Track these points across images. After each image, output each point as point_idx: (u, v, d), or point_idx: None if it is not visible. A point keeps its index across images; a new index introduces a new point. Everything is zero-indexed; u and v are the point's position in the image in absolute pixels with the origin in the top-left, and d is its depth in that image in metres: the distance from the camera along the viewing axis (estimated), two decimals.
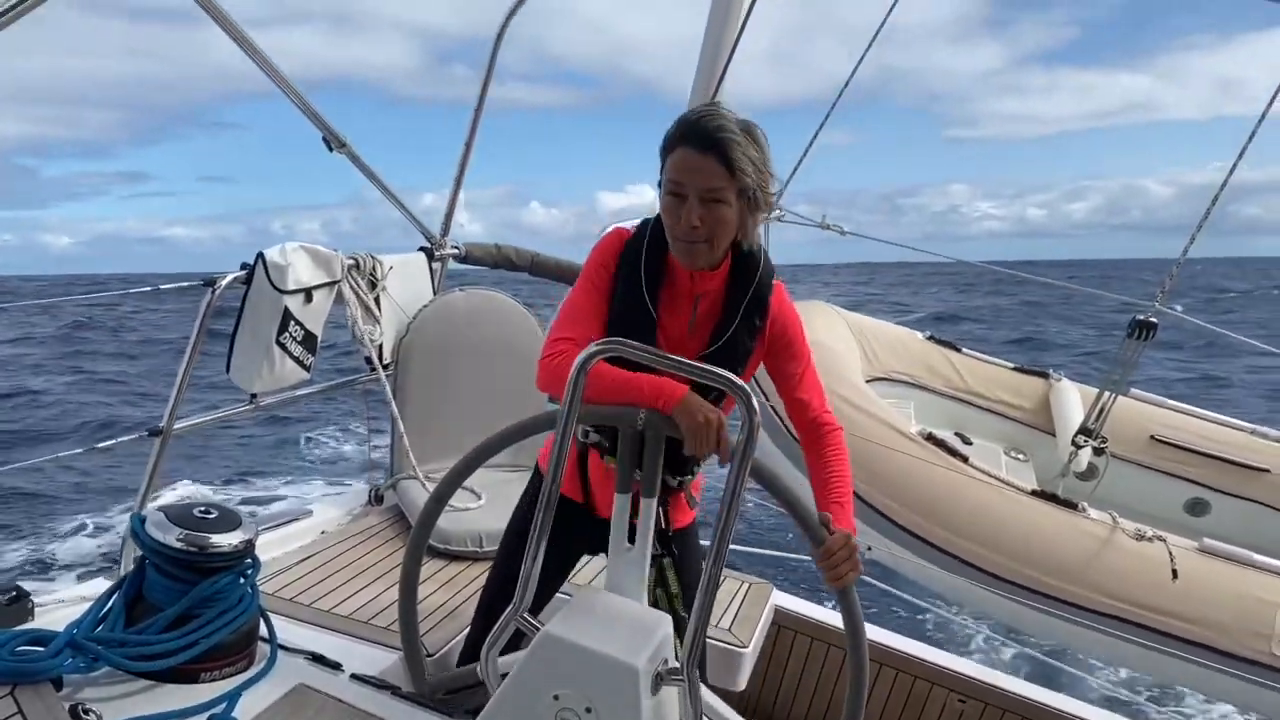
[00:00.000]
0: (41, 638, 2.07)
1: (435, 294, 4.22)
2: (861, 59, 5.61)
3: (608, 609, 1.83)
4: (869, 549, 4.31)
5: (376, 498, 4.00)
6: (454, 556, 3.46)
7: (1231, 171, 4.67)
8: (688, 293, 2.03)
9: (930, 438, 4.47)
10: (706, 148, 1.82)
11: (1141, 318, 4.74)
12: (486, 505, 3.63)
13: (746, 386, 1.72)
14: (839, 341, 5.44)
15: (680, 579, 2.14)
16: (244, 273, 3.26)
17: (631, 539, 1.96)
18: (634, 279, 2.01)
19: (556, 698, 1.69)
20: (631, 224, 2.12)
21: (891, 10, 5.53)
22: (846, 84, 5.67)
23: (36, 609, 2.62)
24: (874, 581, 4.51)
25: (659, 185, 1.96)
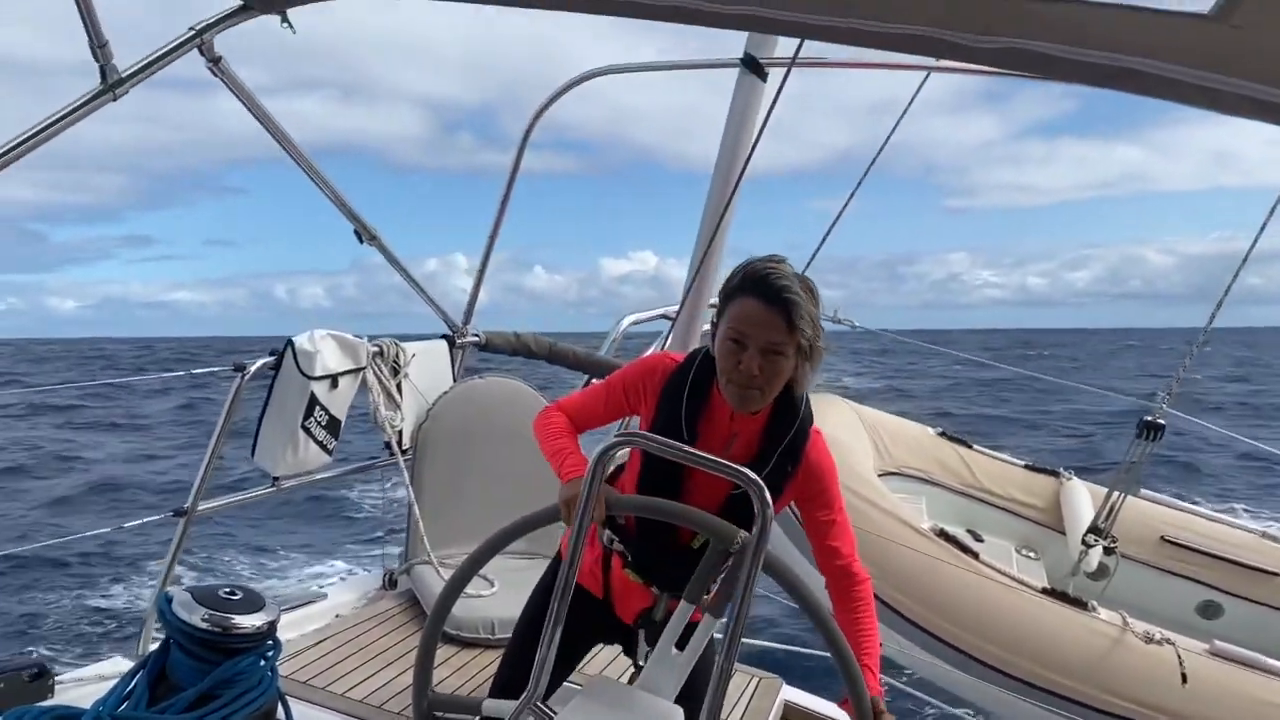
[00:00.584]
0: (68, 715, 2.11)
1: (455, 381, 4.31)
2: (889, 137, 5.75)
3: (619, 699, 1.86)
4: (881, 646, 4.30)
5: (390, 582, 4.04)
6: (466, 643, 3.49)
7: (1253, 245, 4.76)
8: (725, 430, 2.09)
9: (942, 534, 4.49)
10: (772, 303, 1.89)
11: (1149, 419, 4.79)
12: (499, 592, 3.66)
13: (759, 480, 1.75)
14: (851, 435, 5.50)
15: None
16: (273, 359, 3.37)
17: (680, 645, 1.93)
18: (675, 410, 2.08)
19: None
20: (661, 348, 2.21)
21: (918, 92, 5.68)
22: (872, 162, 5.79)
23: (56, 686, 2.67)
24: (891, 682, 4.48)
25: (714, 324, 2.04)
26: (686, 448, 1.86)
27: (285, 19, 2.29)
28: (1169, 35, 1.29)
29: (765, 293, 1.90)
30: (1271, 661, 3.92)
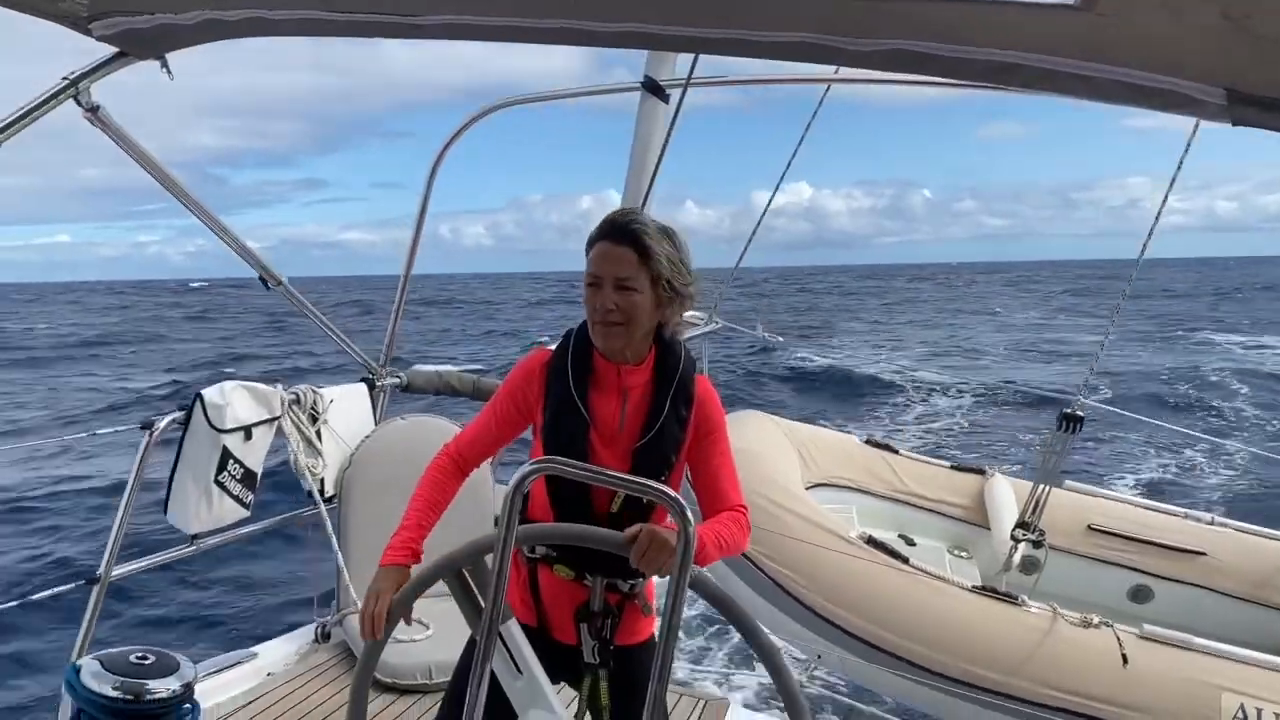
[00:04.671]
0: None
1: (376, 424, 4.23)
2: (801, 141, 5.88)
3: None
4: (819, 656, 4.31)
5: (323, 634, 3.92)
6: (404, 690, 3.40)
7: None
8: (615, 388, 2.13)
9: (870, 540, 4.52)
10: (621, 239, 2.02)
11: (1068, 411, 4.88)
12: (436, 636, 3.57)
13: (680, 498, 1.73)
14: (776, 450, 5.52)
15: (628, 699, 2.10)
16: (182, 413, 3.27)
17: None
18: (563, 382, 2.12)
19: None
20: (548, 341, 2.25)
21: (821, 104, 5.83)
22: (799, 143, 6.00)
23: None
24: (828, 692, 4.50)
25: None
26: (598, 470, 1.89)
27: (164, 64, 2.24)
28: (1041, 28, 1.33)
29: (613, 232, 2.05)
30: (1199, 640, 4.01)
